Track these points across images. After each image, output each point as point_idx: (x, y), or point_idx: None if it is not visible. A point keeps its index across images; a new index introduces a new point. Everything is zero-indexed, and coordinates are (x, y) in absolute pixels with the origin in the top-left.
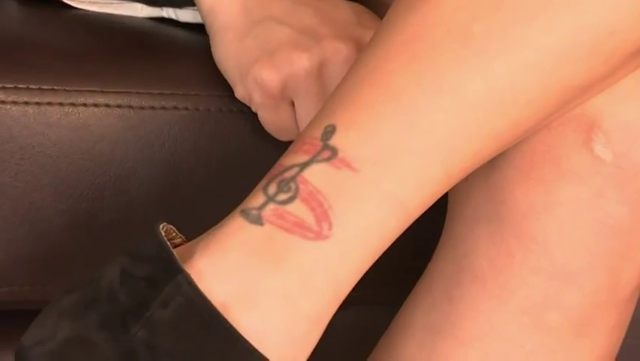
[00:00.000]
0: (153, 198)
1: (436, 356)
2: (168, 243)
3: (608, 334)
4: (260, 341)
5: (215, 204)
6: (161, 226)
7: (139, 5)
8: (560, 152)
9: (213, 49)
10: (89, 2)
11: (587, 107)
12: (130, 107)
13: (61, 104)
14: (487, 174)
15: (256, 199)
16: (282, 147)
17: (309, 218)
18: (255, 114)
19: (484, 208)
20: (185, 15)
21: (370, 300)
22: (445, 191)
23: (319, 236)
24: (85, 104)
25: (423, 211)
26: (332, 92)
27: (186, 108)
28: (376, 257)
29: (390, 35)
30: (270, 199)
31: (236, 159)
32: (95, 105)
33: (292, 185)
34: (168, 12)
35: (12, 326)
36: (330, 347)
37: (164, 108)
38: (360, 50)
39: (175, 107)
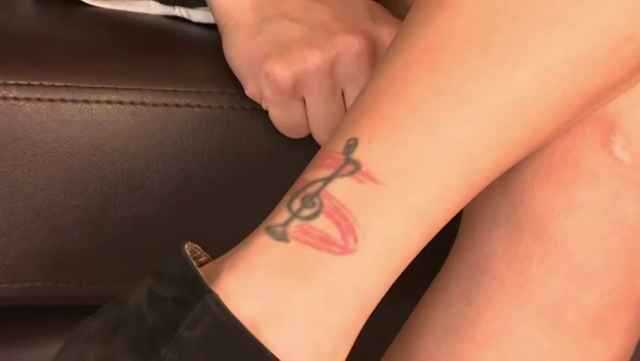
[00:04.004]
0: (166, 194)
1: (454, 356)
2: (194, 263)
3: (623, 334)
4: (290, 359)
5: (228, 201)
6: (186, 246)
7: (152, 3)
8: (579, 154)
9: (225, 47)
10: None
11: (606, 108)
12: (143, 104)
13: (74, 101)
14: (506, 176)
15: (280, 215)
16: (293, 144)
17: (334, 233)
18: (267, 112)
19: (503, 209)
20: (197, 15)
21: (385, 299)
22: (468, 201)
23: (345, 250)
24: (98, 101)
25: (446, 222)
26: (352, 103)
27: (199, 105)
28: (402, 269)
29: (409, 45)
30: (295, 215)
31: (249, 156)
32: (109, 102)
33: (316, 200)
34: (181, 11)
35: (24, 321)
36: None
37: (177, 105)
38: (373, 44)
39: (188, 105)
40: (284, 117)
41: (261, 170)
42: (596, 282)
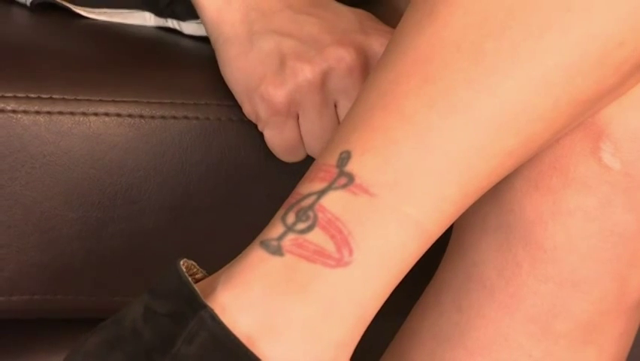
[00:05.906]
0: (164, 207)
1: None
2: (189, 279)
3: (615, 341)
4: None
5: (226, 214)
6: (181, 262)
7: (147, 14)
8: (568, 161)
9: (220, 64)
10: (100, 12)
11: (595, 116)
12: (141, 116)
13: (72, 113)
14: (495, 184)
15: (275, 230)
16: None
17: (329, 246)
18: None
19: (493, 217)
20: (188, 27)
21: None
22: (462, 211)
23: (340, 263)
24: (96, 114)
25: (441, 233)
26: (345, 116)
27: (197, 118)
28: (398, 280)
29: (400, 56)
30: (289, 229)
31: (247, 168)
32: (106, 114)
33: (310, 213)
34: (173, 23)
35: (22, 334)
36: None
37: (174, 118)
38: (364, 56)
39: (186, 117)
40: (280, 139)
41: (259, 182)
42: (586, 290)
